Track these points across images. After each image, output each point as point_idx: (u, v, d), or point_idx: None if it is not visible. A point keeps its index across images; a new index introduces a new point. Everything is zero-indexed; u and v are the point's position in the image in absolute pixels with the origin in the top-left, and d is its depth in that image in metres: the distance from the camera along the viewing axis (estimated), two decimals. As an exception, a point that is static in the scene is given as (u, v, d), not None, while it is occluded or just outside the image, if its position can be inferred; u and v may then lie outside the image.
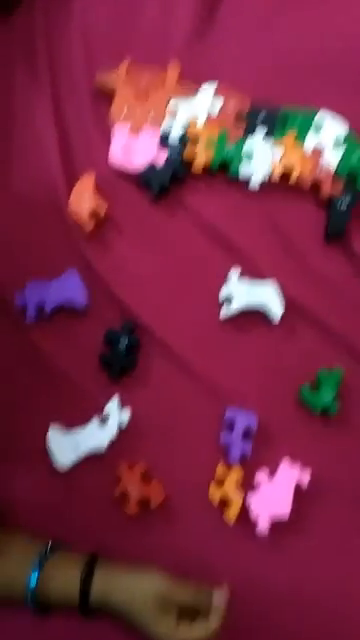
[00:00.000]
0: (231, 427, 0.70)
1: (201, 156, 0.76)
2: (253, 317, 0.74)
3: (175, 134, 0.77)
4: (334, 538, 0.68)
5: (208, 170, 0.77)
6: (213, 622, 0.58)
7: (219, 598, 0.59)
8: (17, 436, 0.71)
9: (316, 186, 0.76)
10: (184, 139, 0.77)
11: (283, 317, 0.73)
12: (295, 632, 0.65)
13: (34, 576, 0.59)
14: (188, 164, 0.77)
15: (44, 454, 0.69)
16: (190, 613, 0.59)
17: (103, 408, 0.71)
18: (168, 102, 0.79)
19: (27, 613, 0.62)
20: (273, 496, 0.68)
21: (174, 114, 0.78)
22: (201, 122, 0.78)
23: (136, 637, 0.60)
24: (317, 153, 0.76)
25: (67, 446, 0.69)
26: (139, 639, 0.59)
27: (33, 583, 0.59)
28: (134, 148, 0.77)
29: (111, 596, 0.59)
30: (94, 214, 0.75)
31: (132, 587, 0.59)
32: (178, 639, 0.58)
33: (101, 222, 0.76)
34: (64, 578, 0.60)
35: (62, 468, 0.69)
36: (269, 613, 0.66)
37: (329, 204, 0.76)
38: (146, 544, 0.67)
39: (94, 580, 0.60)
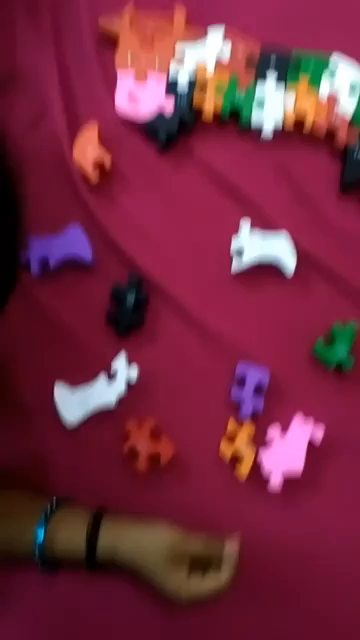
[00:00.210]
0: (242, 383, 0.68)
1: (210, 103, 0.73)
2: (265, 271, 0.71)
3: (183, 81, 0.74)
4: (346, 494, 0.67)
5: (218, 118, 0.74)
6: (225, 572, 0.57)
7: (231, 547, 0.58)
8: (23, 392, 0.69)
9: (331, 134, 0.73)
10: (192, 86, 0.74)
11: (296, 270, 0.70)
12: (307, 587, 0.65)
13: (41, 531, 0.58)
14: (197, 112, 0.74)
15: (51, 411, 0.68)
16: (201, 565, 0.58)
17: (110, 365, 0.69)
18: (174, 48, 0.75)
19: (34, 572, 0.61)
20: (286, 452, 0.66)
21: (181, 60, 0.75)
22: (210, 68, 0.74)
23: (145, 593, 0.59)
24: (332, 100, 0.73)
25: (74, 403, 0.68)
26: (148, 595, 0.59)
27: (40, 538, 0.58)
28: (140, 96, 0.74)
29: (119, 549, 0.58)
30: (98, 165, 0.72)
31: (141, 539, 0.58)
32: (190, 591, 0.56)
33: (106, 174, 0.73)
34: (70, 531, 0.59)
35: (70, 425, 0.68)
36: (280, 568, 0.65)
37: (344, 153, 0.73)
38: (156, 501, 0.66)
39: (101, 532, 0.58)
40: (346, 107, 0.73)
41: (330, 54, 0.75)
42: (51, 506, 0.60)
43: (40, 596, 0.64)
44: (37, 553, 0.58)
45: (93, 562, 0.58)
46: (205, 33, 0.76)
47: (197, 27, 0.76)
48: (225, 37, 0.76)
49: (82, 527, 0.59)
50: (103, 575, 0.61)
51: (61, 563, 0.61)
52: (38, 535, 0.58)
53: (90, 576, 0.61)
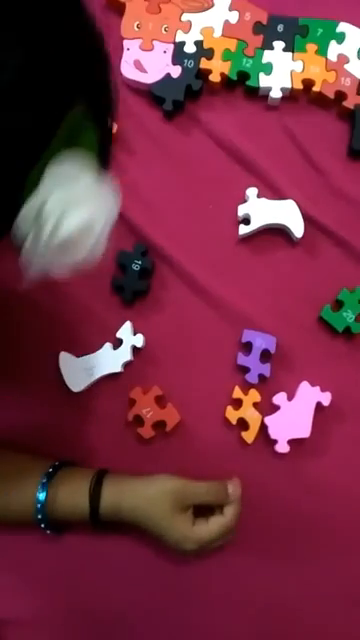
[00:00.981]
0: (248, 349, 0.67)
1: (217, 68, 0.72)
2: (272, 237, 0.71)
3: (190, 46, 0.73)
4: (352, 457, 0.66)
5: (224, 83, 0.73)
6: (229, 514, 0.57)
7: (233, 489, 0.58)
8: (29, 359, 0.69)
9: (339, 99, 0.72)
10: (199, 52, 0.73)
11: (303, 236, 0.69)
12: (311, 547, 0.64)
13: (43, 491, 0.58)
14: (203, 78, 0.73)
15: (56, 378, 0.68)
16: (203, 514, 0.58)
17: (116, 332, 0.69)
18: (181, 16, 0.75)
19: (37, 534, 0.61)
20: (292, 419, 0.65)
21: (188, 27, 0.74)
22: (217, 33, 0.74)
23: (149, 549, 0.59)
24: (340, 64, 0.72)
25: (80, 370, 0.67)
26: (150, 552, 0.58)
27: (42, 498, 0.57)
28: (146, 63, 0.74)
29: (123, 502, 0.57)
30: (105, 133, 0.72)
31: (145, 489, 0.58)
32: (196, 536, 0.56)
33: (112, 142, 0.73)
34: (73, 489, 0.58)
35: (74, 391, 0.67)
36: (285, 530, 0.64)
37: (353, 117, 0.71)
38: (160, 467, 0.65)
39: (104, 487, 0.58)
40: (354, 70, 0.72)
41: (337, 22, 0.74)
42: (53, 467, 0.60)
43: (43, 556, 0.64)
44: (39, 513, 0.58)
45: (97, 519, 0.58)
46: (212, 4, 0.75)
47: (204, -1, 0.76)
48: (232, 7, 0.75)
49: (85, 484, 0.58)
50: (106, 535, 0.60)
51: (64, 523, 0.60)
52: (40, 495, 0.57)
53: (94, 536, 0.60)
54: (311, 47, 0.73)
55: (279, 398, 0.66)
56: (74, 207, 0.38)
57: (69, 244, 0.38)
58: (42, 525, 0.59)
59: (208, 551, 0.58)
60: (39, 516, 0.58)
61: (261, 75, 0.72)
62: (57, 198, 0.37)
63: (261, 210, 0.70)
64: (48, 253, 0.38)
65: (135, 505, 0.57)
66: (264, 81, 0.72)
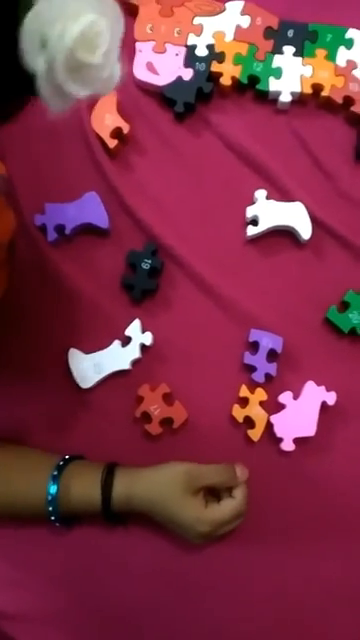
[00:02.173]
0: (255, 348, 0.68)
1: (228, 70, 0.73)
2: (280, 239, 0.72)
3: (202, 49, 0.75)
4: (358, 457, 0.67)
5: (235, 87, 0.74)
6: (239, 496, 0.59)
7: (241, 471, 0.60)
8: (39, 356, 0.70)
9: (347, 103, 0.73)
10: (211, 55, 0.74)
11: (310, 238, 0.70)
12: (317, 547, 0.65)
13: (54, 483, 0.59)
14: (215, 80, 0.74)
15: (65, 374, 0.69)
16: (213, 496, 0.60)
17: (125, 330, 0.70)
18: (193, 20, 0.76)
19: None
20: (298, 418, 0.66)
21: (200, 30, 0.75)
22: (229, 37, 0.75)
23: (158, 545, 0.60)
24: (349, 68, 0.73)
25: (88, 366, 0.68)
26: (161, 547, 0.59)
27: (53, 490, 0.58)
28: (158, 65, 0.75)
29: (135, 488, 0.59)
30: (116, 133, 0.73)
31: (155, 475, 0.59)
32: (209, 517, 0.58)
33: (123, 142, 0.74)
34: (84, 480, 0.59)
35: (83, 388, 0.68)
36: (292, 529, 0.65)
37: (360, 122, 0.73)
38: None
39: (115, 477, 0.59)
40: (363, 77, 0.73)
41: (346, 28, 0.75)
42: (63, 460, 0.61)
43: (52, 552, 0.65)
44: (50, 506, 0.59)
45: (109, 509, 0.59)
46: (224, 9, 0.76)
47: (215, 2, 0.77)
48: (243, 12, 0.76)
49: (96, 475, 0.59)
50: (115, 531, 0.61)
51: (76, 516, 0.61)
52: (51, 488, 0.58)
53: (103, 532, 0.61)
54: (320, 52, 0.74)
55: (285, 397, 0.67)
56: (74, 16, 0.36)
57: (81, 56, 0.37)
58: (52, 518, 0.60)
59: (218, 535, 0.60)
60: (50, 509, 0.59)
61: (271, 79, 0.73)
62: (54, 12, 0.35)
63: (269, 212, 0.71)
64: (64, 74, 0.37)
65: (147, 490, 0.58)
66: (274, 85, 0.73)
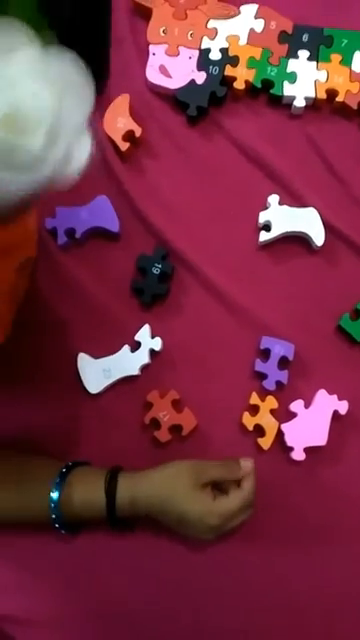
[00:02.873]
0: (266, 356, 0.67)
1: (242, 74, 0.73)
2: (292, 245, 0.71)
3: (215, 53, 0.74)
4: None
5: (249, 91, 0.74)
6: (247, 487, 0.58)
7: (248, 464, 0.60)
8: (48, 361, 0.69)
9: (362, 109, 0.72)
10: (224, 59, 0.74)
11: (324, 245, 0.69)
12: (325, 555, 0.64)
13: (56, 490, 0.58)
14: (228, 84, 0.73)
15: (74, 380, 0.68)
16: (220, 491, 0.60)
17: (134, 335, 0.69)
18: (207, 23, 0.75)
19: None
20: (309, 427, 0.65)
21: (214, 34, 0.75)
22: (242, 40, 0.74)
23: (164, 550, 0.59)
24: (364, 74, 0.73)
25: (97, 372, 0.68)
26: (167, 552, 0.58)
27: (55, 497, 0.57)
28: (171, 68, 0.74)
29: (139, 490, 0.58)
30: (128, 137, 0.72)
31: (160, 474, 0.59)
32: (219, 509, 0.57)
33: (135, 146, 0.73)
34: (88, 485, 0.59)
35: (92, 393, 0.68)
36: (302, 538, 0.64)
37: (375, 127, 0.72)
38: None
39: (119, 480, 0.59)
40: (379, 82, 0.72)
41: (362, 32, 0.74)
42: (66, 467, 0.60)
43: (57, 556, 0.64)
44: (53, 513, 0.58)
45: (113, 513, 0.58)
46: (238, 12, 0.76)
47: (230, 6, 0.76)
48: (257, 15, 0.75)
49: (100, 479, 0.59)
50: (120, 536, 0.61)
51: (80, 522, 0.60)
52: (53, 494, 0.58)
53: (108, 537, 0.60)
54: (335, 57, 0.74)
55: (296, 405, 0.66)
56: (8, 88, 0.29)
57: (6, 137, 0.29)
58: (57, 525, 0.59)
59: (228, 529, 0.59)
60: (53, 516, 0.58)
61: (285, 84, 0.73)
62: None
63: (282, 217, 0.70)
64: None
65: (152, 490, 0.58)
66: (288, 90, 0.73)
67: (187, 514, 0.57)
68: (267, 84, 0.73)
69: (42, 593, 0.64)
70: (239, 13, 0.76)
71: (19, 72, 0.29)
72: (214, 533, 0.59)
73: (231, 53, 0.74)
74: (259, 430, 0.66)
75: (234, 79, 0.73)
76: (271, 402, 0.66)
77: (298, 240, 0.71)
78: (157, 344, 0.68)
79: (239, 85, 0.73)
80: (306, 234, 0.70)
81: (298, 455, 0.65)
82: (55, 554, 0.64)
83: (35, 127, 0.30)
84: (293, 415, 0.66)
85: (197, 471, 0.58)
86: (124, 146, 0.72)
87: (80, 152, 0.33)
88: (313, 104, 0.73)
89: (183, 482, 0.57)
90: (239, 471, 0.59)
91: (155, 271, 0.70)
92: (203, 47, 0.74)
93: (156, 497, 0.58)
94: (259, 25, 0.75)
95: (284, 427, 0.65)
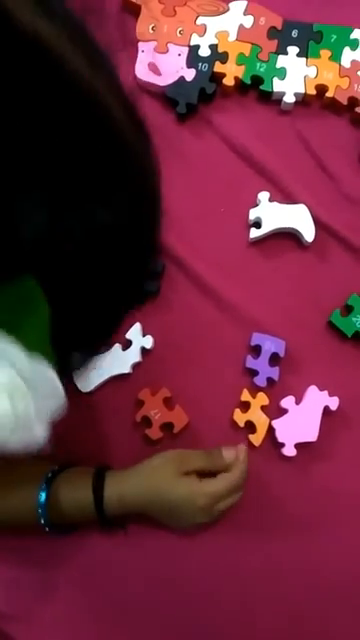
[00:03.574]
0: (257, 352, 0.68)
1: (232, 71, 0.73)
2: (283, 242, 0.71)
3: (205, 49, 0.74)
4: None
5: (238, 87, 0.73)
6: (235, 470, 0.59)
7: (230, 454, 0.60)
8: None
9: (351, 105, 0.72)
10: (214, 55, 0.74)
11: (314, 241, 0.70)
12: (319, 554, 0.64)
13: (43, 492, 0.57)
14: (217, 81, 0.73)
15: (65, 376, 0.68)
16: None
17: (125, 333, 0.69)
18: (196, 20, 0.75)
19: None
20: (300, 423, 0.65)
21: (203, 30, 0.75)
22: (232, 36, 0.74)
23: (161, 549, 0.59)
24: (354, 69, 0.73)
25: (88, 370, 0.68)
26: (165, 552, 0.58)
27: (42, 500, 0.57)
28: (161, 65, 0.74)
29: (126, 485, 0.58)
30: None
31: (145, 468, 0.59)
32: (205, 489, 0.58)
33: (125, 143, 0.73)
34: (74, 485, 0.59)
35: (83, 390, 0.68)
36: (293, 534, 0.64)
37: (365, 123, 0.72)
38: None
39: (106, 477, 0.59)
40: (368, 78, 0.72)
41: (351, 28, 0.74)
42: (52, 472, 0.59)
43: (56, 555, 0.64)
44: (42, 517, 0.57)
45: (102, 510, 0.58)
46: (227, 9, 0.76)
47: (219, 2, 0.76)
48: (246, 12, 0.75)
49: (86, 478, 0.59)
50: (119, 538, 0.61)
51: (70, 523, 0.60)
52: (40, 497, 0.57)
53: (108, 537, 0.61)
54: (325, 53, 0.73)
55: (287, 402, 0.66)
56: None
57: None
58: (47, 529, 0.59)
59: (221, 511, 0.59)
60: (42, 520, 0.58)
61: (275, 80, 0.73)
62: None
63: (272, 214, 0.70)
64: None
65: (139, 482, 0.58)
66: (278, 86, 0.73)
67: (175, 500, 0.58)
68: (256, 80, 0.73)
69: (36, 590, 0.63)
70: (228, 9, 0.75)
71: None
72: (206, 515, 0.59)
73: (220, 49, 0.74)
74: (250, 427, 0.66)
75: (223, 75, 0.73)
76: (262, 399, 0.66)
77: (288, 236, 0.71)
78: (148, 342, 0.68)
79: (228, 81, 0.73)
80: (296, 230, 0.70)
81: (289, 451, 0.65)
82: (49, 551, 0.64)
83: None
84: (284, 411, 0.66)
85: (181, 460, 0.59)
86: (113, 143, 0.72)
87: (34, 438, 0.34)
88: (303, 100, 0.73)
89: (167, 471, 0.58)
90: (222, 460, 0.60)
91: (146, 269, 0.70)
92: (192, 44, 0.74)
93: (143, 489, 0.58)
94: (248, 21, 0.75)
95: (275, 423, 0.65)
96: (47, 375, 0.32)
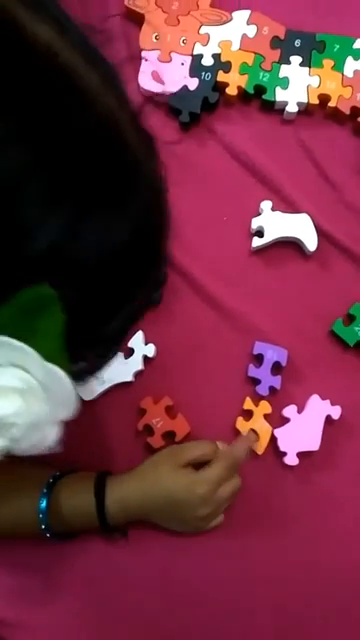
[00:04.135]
0: (260, 361, 0.68)
1: (235, 80, 0.73)
2: (285, 251, 0.71)
3: (208, 58, 0.74)
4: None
5: (241, 96, 0.74)
6: (230, 457, 0.60)
7: (222, 443, 0.62)
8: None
9: (354, 114, 0.73)
10: (217, 65, 0.74)
11: (317, 250, 0.70)
12: (321, 563, 0.64)
13: (44, 498, 0.58)
14: (220, 90, 0.74)
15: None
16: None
17: (128, 342, 0.69)
18: (200, 29, 0.76)
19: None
20: (302, 432, 0.65)
21: (207, 40, 0.75)
22: (235, 46, 0.74)
23: (163, 556, 0.59)
24: (357, 79, 0.73)
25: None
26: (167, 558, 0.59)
27: (43, 504, 0.57)
28: (164, 74, 0.74)
29: (127, 487, 0.59)
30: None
31: (143, 469, 0.60)
32: (203, 477, 0.58)
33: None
34: (76, 489, 0.59)
35: (85, 398, 0.68)
36: (295, 543, 0.64)
37: (368, 133, 0.72)
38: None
39: (108, 481, 0.59)
40: (370, 86, 0.73)
41: (354, 38, 0.74)
42: (53, 477, 0.60)
43: (57, 559, 0.64)
44: (42, 523, 0.58)
45: (103, 515, 0.58)
46: (230, 18, 0.76)
47: (222, 12, 0.76)
48: (250, 22, 0.76)
49: (88, 483, 0.59)
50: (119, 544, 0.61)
51: (71, 529, 0.61)
52: (41, 504, 0.57)
53: (109, 543, 0.61)
54: (328, 62, 0.74)
55: (289, 411, 0.66)
56: None
57: None
58: (48, 535, 0.59)
59: (223, 502, 0.60)
60: (42, 526, 0.58)
61: (278, 89, 0.73)
62: None
63: (275, 223, 0.70)
64: None
65: (138, 485, 0.59)
66: (280, 95, 0.73)
67: (175, 493, 0.58)
68: (259, 90, 0.74)
69: (36, 596, 0.64)
70: (231, 19, 0.76)
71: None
72: (208, 505, 0.59)
73: (223, 59, 0.74)
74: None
75: (226, 85, 0.74)
76: (264, 407, 0.66)
77: (291, 245, 0.71)
78: (150, 350, 0.68)
79: (231, 91, 0.73)
80: (299, 239, 0.70)
81: (291, 460, 0.65)
82: (50, 557, 0.64)
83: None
84: (286, 420, 0.66)
85: (175, 454, 0.60)
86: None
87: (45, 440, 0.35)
88: (305, 109, 0.73)
89: (164, 467, 0.59)
90: (216, 450, 0.61)
91: (148, 277, 0.70)
92: (195, 53, 0.75)
93: (144, 488, 0.59)
94: (251, 31, 0.75)
95: (277, 432, 0.66)
96: (62, 380, 0.33)
